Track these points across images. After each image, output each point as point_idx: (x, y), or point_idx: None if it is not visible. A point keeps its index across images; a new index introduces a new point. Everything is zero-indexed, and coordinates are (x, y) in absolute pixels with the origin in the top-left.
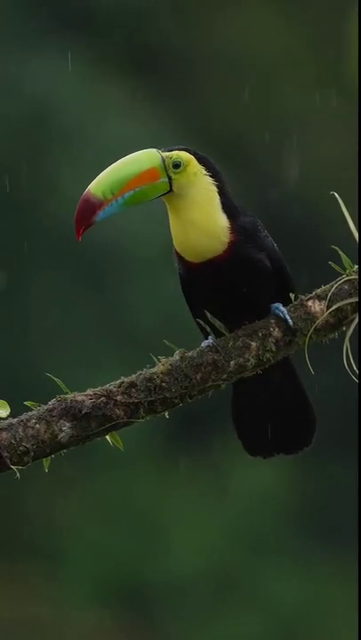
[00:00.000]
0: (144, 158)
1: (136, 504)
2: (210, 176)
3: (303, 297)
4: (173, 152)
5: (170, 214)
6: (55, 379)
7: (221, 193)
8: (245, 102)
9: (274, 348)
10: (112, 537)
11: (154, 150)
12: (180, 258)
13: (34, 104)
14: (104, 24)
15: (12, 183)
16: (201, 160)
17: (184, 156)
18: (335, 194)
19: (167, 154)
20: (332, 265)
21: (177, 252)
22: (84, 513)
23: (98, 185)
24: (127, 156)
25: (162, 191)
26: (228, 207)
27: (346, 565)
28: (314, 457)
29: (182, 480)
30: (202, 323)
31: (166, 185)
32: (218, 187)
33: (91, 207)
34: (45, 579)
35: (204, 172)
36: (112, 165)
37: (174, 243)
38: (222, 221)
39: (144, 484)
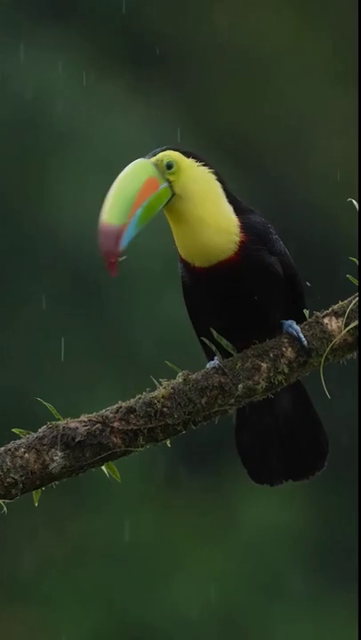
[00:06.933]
0: (139, 171)
1: (136, 540)
2: (204, 165)
3: (318, 313)
4: (159, 154)
5: (175, 224)
6: (46, 403)
7: (221, 181)
8: (249, 97)
9: (286, 370)
10: (112, 576)
11: (143, 160)
12: (187, 265)
13: (27, 101)
14: (101, 15)
15: (3, 191)
16: (188, 154)
17: (172, 154)
18: (353, 201)
19: (155, 158)
20: (350, 278)
21: (183, 260)
22: (80, 548)
23: (110, 212)
24: (122, 175)
25: (166, 197)
26: (232, 200)
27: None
28: (329, 487)
29: (186, 513)
30: (207, 341)
31: (168, 190)
32: (216, 175)
33: (113, 237)
34: (39, 621)
35: (198, 163)
36: (113, 188)
37: (181, 251)
38: (232, 215)
39: (144, 518)
